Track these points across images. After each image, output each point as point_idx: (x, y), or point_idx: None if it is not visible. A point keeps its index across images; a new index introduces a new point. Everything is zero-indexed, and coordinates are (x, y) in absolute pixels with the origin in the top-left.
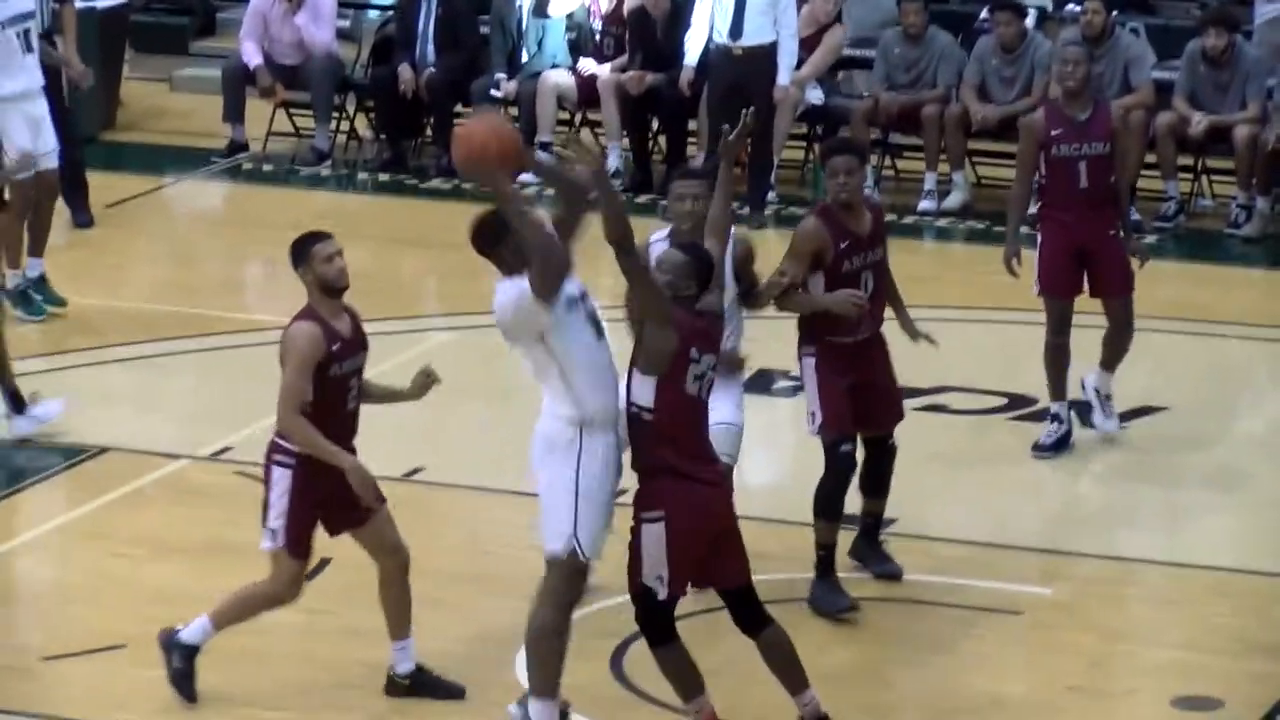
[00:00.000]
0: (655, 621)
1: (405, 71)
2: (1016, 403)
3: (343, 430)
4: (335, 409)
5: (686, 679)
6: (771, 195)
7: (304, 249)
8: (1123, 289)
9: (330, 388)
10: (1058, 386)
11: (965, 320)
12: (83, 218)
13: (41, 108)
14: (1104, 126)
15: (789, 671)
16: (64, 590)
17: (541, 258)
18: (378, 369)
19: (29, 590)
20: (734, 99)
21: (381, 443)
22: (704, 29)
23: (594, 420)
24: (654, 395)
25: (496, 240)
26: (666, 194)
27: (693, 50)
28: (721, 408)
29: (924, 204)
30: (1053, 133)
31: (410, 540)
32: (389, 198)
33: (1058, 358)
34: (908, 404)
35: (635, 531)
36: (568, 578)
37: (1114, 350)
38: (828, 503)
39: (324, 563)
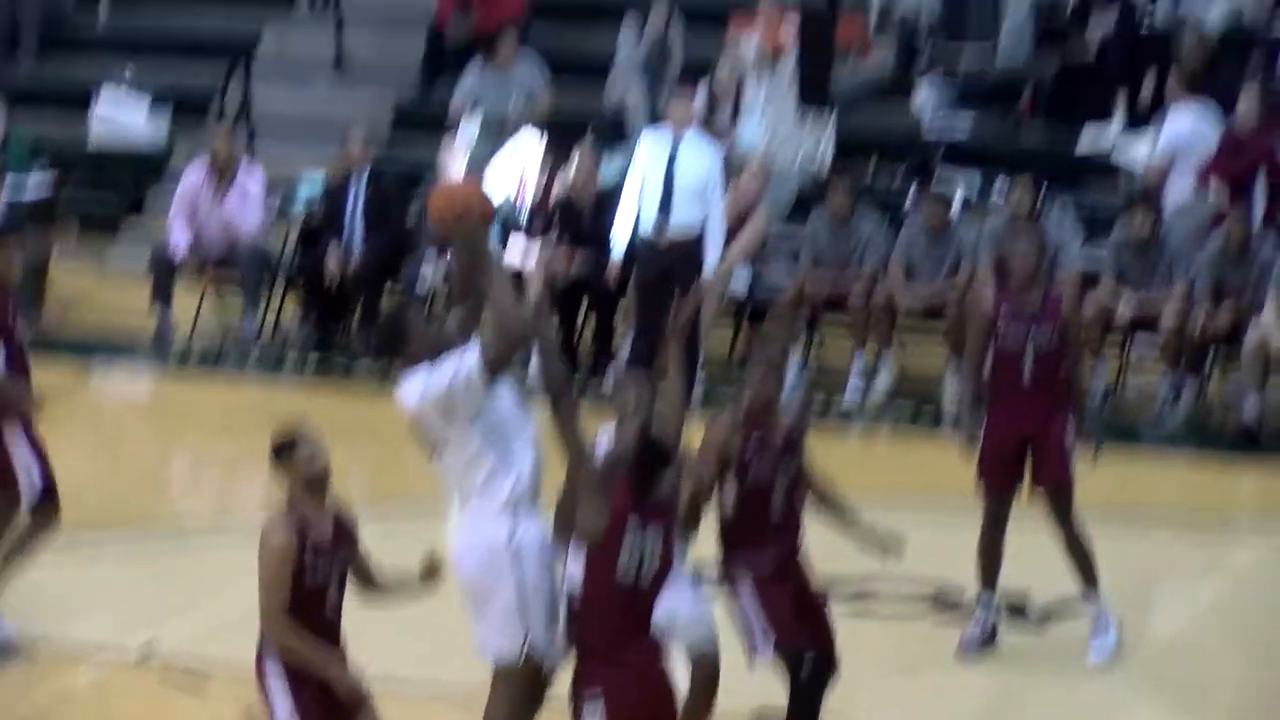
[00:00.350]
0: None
1: (332, 257)
2: (944, 595)
3: (322, 637)
4: (310, 618)
5: None
6: (698, 383)
7: (285, 449)
8: (1058, 482)
9: (306, 598)
10: (988, 575)
11: (895, 507)
12: None
13: None
14: (1054, 314)
15: None
16: None
17: (507, 323)
18: None
19: None
20: (662, 286)
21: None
22: (630, 218)
23: (524, 496)
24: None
25: (400, 341)
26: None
27: (619, 241)
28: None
29: (852, 384)
30: (1000, 321)
31: None
32: (317, 381)
33: (991, 547)
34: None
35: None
36: (522, 684)
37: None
38: None
39: None
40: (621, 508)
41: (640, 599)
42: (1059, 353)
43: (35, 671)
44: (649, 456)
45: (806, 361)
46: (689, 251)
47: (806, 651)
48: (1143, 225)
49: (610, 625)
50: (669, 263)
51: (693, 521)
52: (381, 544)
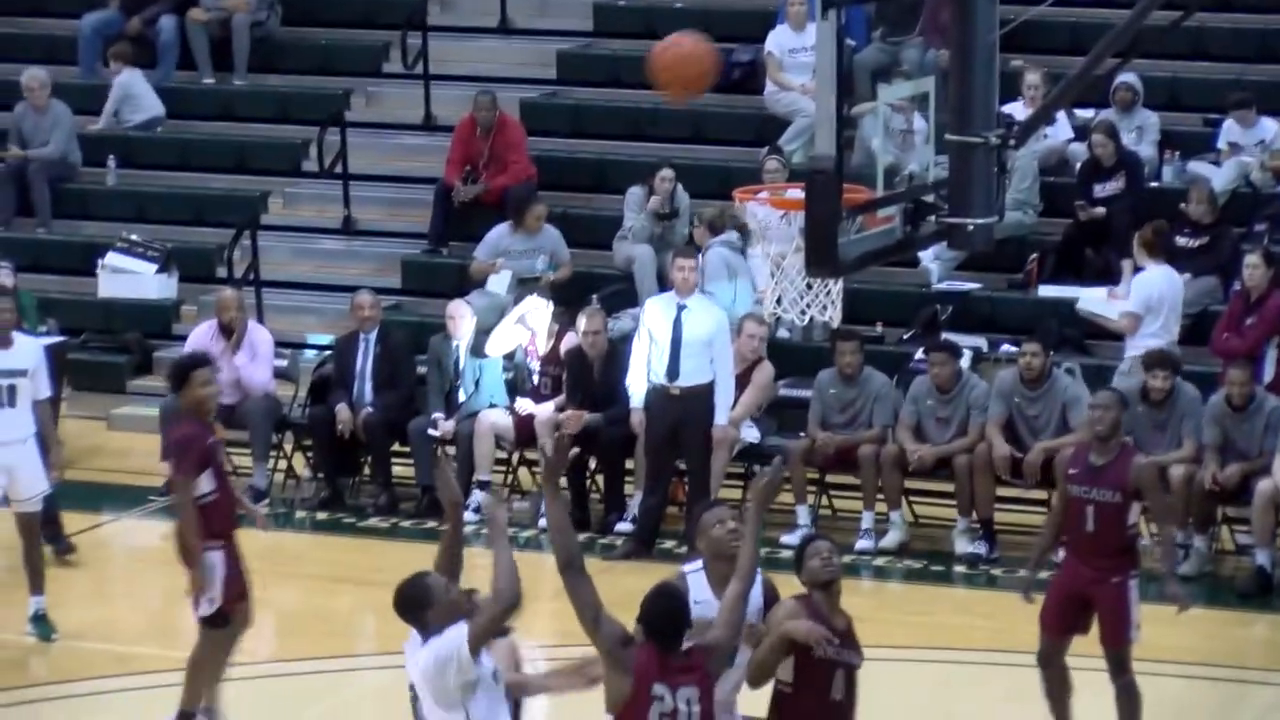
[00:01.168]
0: None
1: (343, 411)
2: None
3: None
4: None
5: None
6: None
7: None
8: (1111, 640)
9: None
10: (1059, 715)
11: (904, 660)
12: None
13: (19, 455)
14: (1121, 475)
15: None
16: None
17: (508, 600)
18: (311, 711)
19: None
20: (672, 439)
21: None
22: (643, 370)
23: None
24: None
25: (421, 606)
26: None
27: (637, 391)
28: None
29: (861, 543)
30: (1070, 471)
31: None
32: (326, 536)
33: (1050, 689)
34: None
35: None
36: None
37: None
38: None
39: None
40: (645, 672)
41: None
42: (1122, 510)
43: None
44: (667, 616)
45: (815, 518)
46: (699, 402)
47: None
48: (1163, 384)
49: None
50: (679, 413)
51: (756, 685)
52: (386, 689)
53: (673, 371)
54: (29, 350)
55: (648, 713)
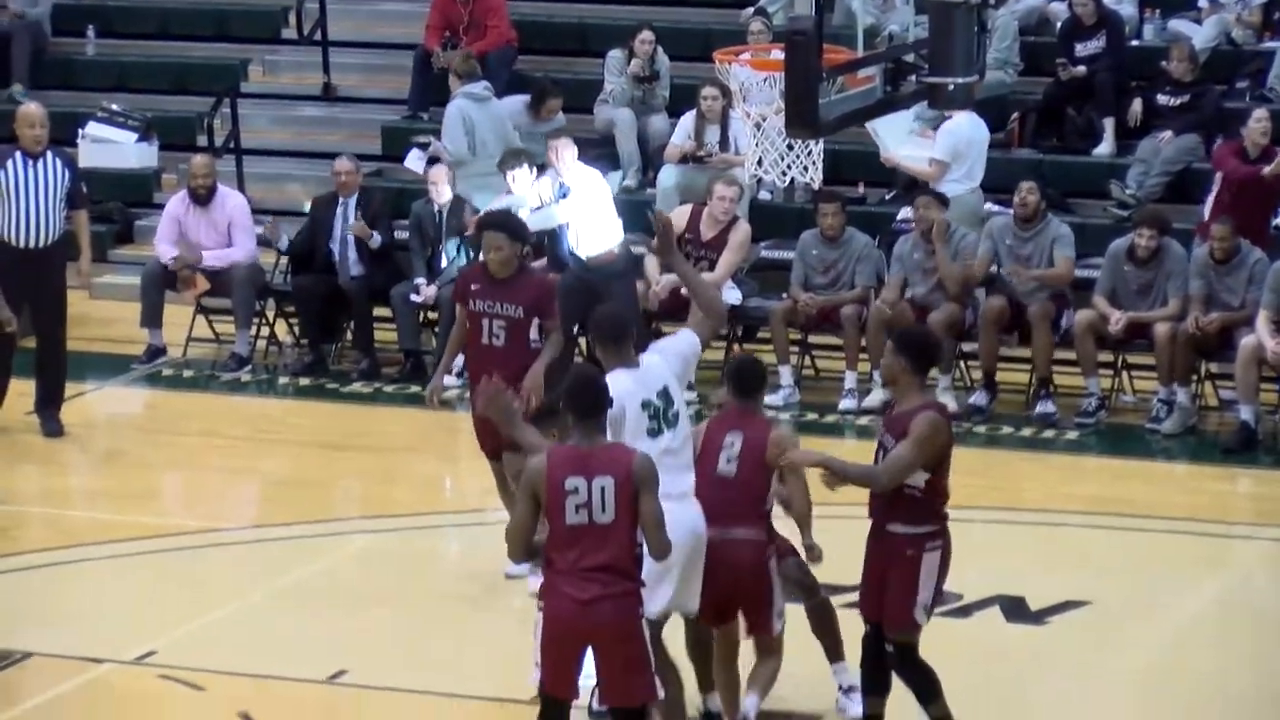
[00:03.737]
0: (545, 710)
1: (281, 245)
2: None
3: None
4: None
5: None
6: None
7: None
8: None
9: None
10: None
11: None
12: (52, 427)
13: None
14: None
15: None
16: None
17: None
18: (296, 574)
19: None
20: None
21: (305, 647)
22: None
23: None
24: None
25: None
26: None
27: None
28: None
29: (845, 403)
30: None
31: None
32: (310, 402)
33: None
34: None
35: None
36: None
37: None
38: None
39: None
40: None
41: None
42: None
43: (31, 681)
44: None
45: (798, 379)
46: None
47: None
48: (1149, 242)
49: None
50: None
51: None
52: (371, 552)
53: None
54: None
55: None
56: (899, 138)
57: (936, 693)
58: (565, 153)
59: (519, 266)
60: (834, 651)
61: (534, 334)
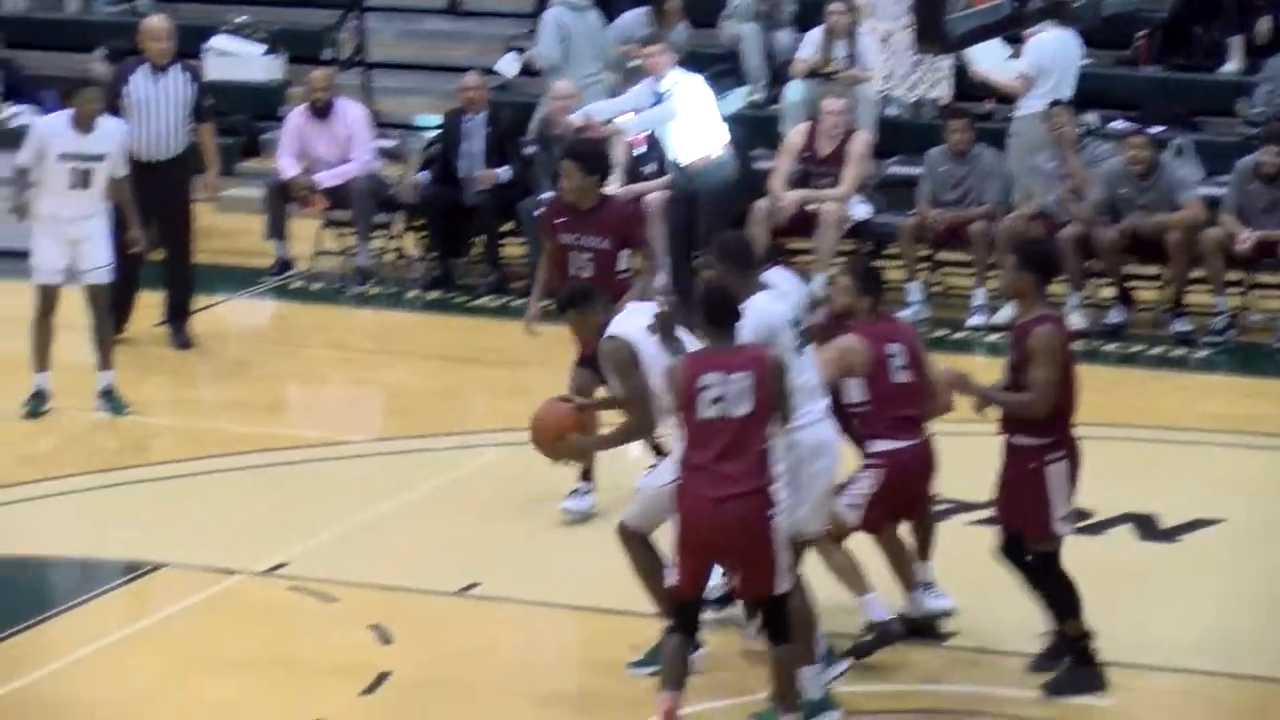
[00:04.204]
0: (678, 611)
1: (423, 179)
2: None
3: None
4: None
5: (672, 670)
6: None
7: None
8: None
9: None
10: None
11: None
12: (182, 339)
13: (85, 230)
14: None
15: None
16: (119, 706)
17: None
18: (426, 487)
19: (85, 706)
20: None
21: (436, 559)
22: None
23: None
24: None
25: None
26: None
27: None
28: None
29: (973, 319)
30: None
31: (466, 656)
32: (437, 315)
33: None
34: (966, 517)
35: None
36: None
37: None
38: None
39: (382, 677)
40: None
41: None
42: None
43: (163, 592)
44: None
45: (927, 295)
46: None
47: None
48: (1277, 159)
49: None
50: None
51: None
52: (503, 466)
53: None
54: (111, 134)
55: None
56: (988, 50)
57: (1075, 607)
58: (663, 59)
59: (600, 196)
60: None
61: (622, 264)
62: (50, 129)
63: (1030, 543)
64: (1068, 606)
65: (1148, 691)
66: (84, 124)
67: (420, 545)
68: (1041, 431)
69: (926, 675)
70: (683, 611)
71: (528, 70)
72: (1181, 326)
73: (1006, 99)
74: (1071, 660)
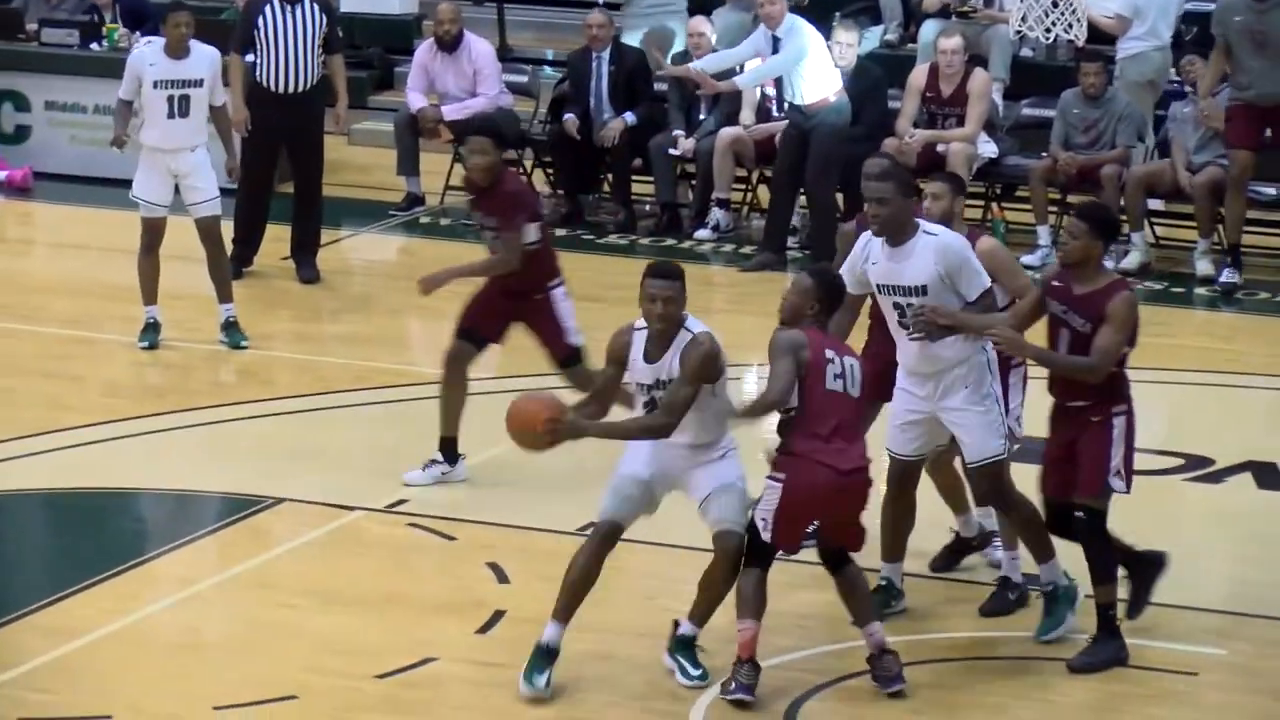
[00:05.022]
0: (756, 551)
1: (572, 122)
2: (1192, 464)
3: None
4: None
5: (752, 602)
6: None
7: None
8: None
9: None
10: None
11: (1141, 381)
12: (308, 273)
13: (188, 163)
14: None
15: (859, 606)
16: (237, 640)
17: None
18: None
19: (202, 639)
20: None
21: (553, 497)
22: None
23: None
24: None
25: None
26: None
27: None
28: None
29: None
30: None
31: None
32: (566, 252)
33: None
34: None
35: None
36: None
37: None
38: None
39: (498, 615)
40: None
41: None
42: None
43: (282, 526)
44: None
45: (1056, 239)
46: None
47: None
48: None
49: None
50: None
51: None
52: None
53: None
54: (204, 59)
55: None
56: None
57: (1112, 576)
58: (777, 7)
59: (497, 176)
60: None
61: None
62: (142, 58)
63: (1081, 494)
64: (1106, 572)
65: (1260, 641)
66: (175, 49)
67: (539, 483)
68: (1107, 394)
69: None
70: (766, 556)
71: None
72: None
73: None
74: (1099, 631)
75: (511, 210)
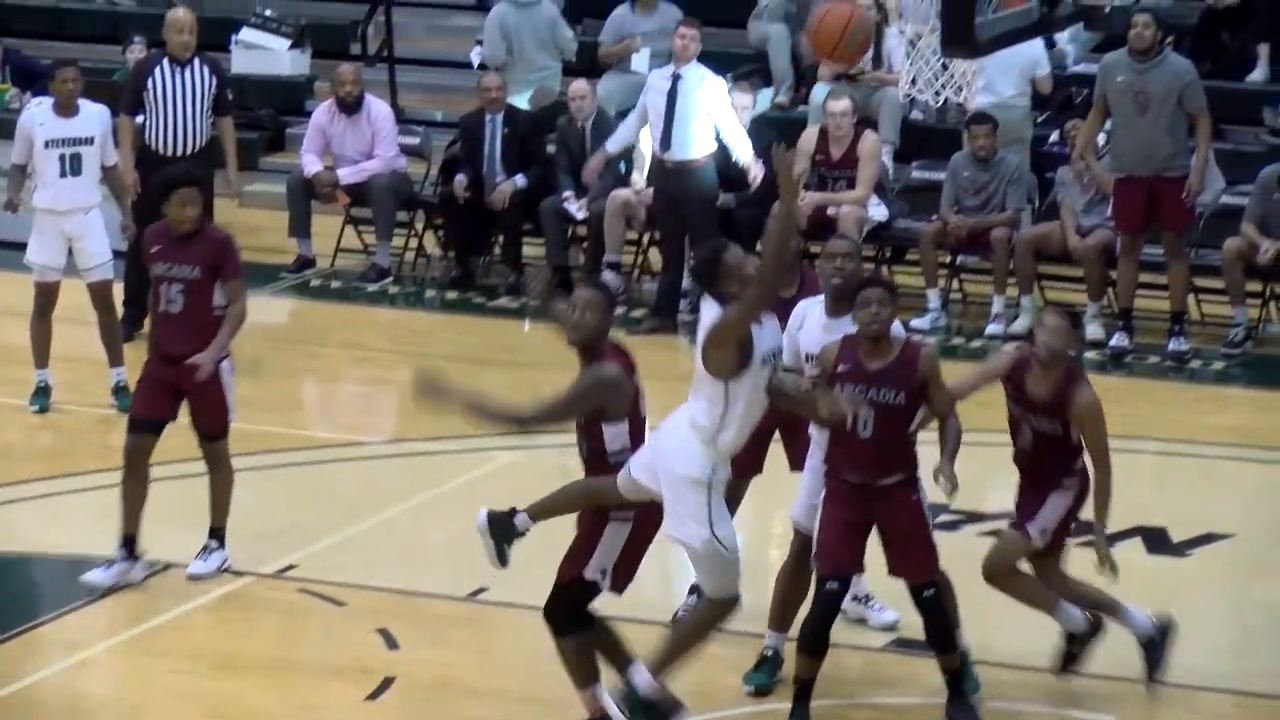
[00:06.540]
0: (576, 611)
1: (460, 184)
2: (1081, 529)
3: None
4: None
5: (585, 668)
6: None
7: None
8: None
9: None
10: None
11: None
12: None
13: (82, 225)
14: None
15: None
16: (126, 706)
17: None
18: (438, 489)
19: (92, 705)
20: (673, 211)
21: (444, 563)
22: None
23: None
24: None
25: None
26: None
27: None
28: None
29: (991, 327)
30: None
31: (473, 660)
32: (456, 315)
33: None
34: (971, 529)
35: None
36: None
37: None
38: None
39: (388, 681)
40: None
41: None
42: None
43: (170, 592)
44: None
45: (945, 302)
46: (692, 179)
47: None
48: None
49: None
50: (676, 188)
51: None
52: (512, 469)
53: (665, 143)
54: (95, 118)
55: None
56: None
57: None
58: (693, 47)
59: (198, 222)
60: None
61: (218, 298)
62: (32, 118)
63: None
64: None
65: (1153, 707)
66: (65, 107)
67: (430, 549)
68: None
69: (933, 689)
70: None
71: (484, 67)
72: (1177, 345)
73: None
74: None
75: (230, 256)
